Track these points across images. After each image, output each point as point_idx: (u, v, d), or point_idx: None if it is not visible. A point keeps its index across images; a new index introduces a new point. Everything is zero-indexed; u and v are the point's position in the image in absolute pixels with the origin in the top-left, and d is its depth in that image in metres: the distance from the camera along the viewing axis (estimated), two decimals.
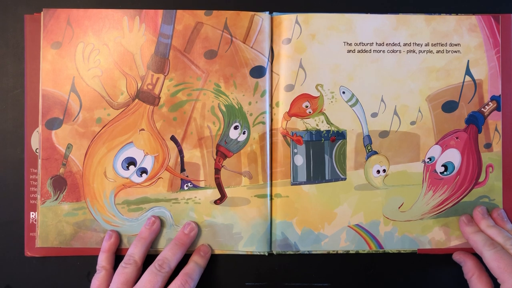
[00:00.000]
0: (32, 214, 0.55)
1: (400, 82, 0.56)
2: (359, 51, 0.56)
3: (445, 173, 0.57)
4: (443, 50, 0.56)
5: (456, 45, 0.56)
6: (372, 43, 0.56)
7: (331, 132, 0.56)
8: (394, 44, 0.56)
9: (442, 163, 0.57)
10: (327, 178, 0.56)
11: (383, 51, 0.56)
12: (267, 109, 0.55)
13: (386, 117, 0.56)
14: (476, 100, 0.57)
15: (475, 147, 0.57)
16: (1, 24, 0.57)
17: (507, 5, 0.58)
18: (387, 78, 0.56)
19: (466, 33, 0.56)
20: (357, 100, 0.56)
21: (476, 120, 0.57)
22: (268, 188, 0.55)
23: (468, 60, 0.57)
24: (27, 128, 0.56)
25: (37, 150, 0.55)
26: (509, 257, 0.49)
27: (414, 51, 0.56)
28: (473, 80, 0.57)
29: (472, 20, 0.56)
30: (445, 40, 0.56)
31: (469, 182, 0.57)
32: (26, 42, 0.55)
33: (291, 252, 0.56)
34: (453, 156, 0.57)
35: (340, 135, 0.56)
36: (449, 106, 0.57)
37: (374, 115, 0.56)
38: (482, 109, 0.57)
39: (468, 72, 0.57)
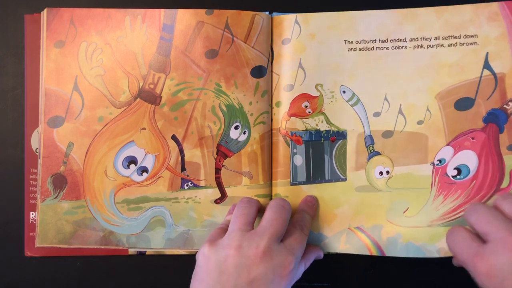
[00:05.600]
0: (32, 214, 0.57)
1: (406, 80, 0.55)
2: (360, 49, 0.56)
3: (458, 177, 0.55)
4: (456, 43, 0.54)
5: (472, 36, 0.54)
6: (375, 40, 0.56)
7: (331, 132, 0.57)
8: (399, 40, 0.55)
9: (454, 166, 0.55)
10: (327, 178, 0.57)
11: (387, 48, 0.55)
12: (268, 109, 0.57)
13: (390, 116, 0.56)
14: (497, 97, 0.54)
15: (495, 149, 0.54)
16: (1, 24, 0.59)
17: None
18: (391, 76, 0.55)
19: (485, 22, 0.54)
20: (358, 100, 0.56)
21: (496, 119, 0.54)
22: (268, 188, 0.57)
23: (487, 53, 0.54)
24: (27, 128, 0.57)
25: (37, 150, 0.57)
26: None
27: (422, 46, 0.55)
28: (494, 74, 0.54)
29: (492, 7, 0.54)
30: (459, 32, 0.54)
31: (489, 188, 0.54)
32: (26, 42, 0.57)
33: None
34: (468, 158, 0.55)
35: (341, 135, 0.57)
36: (463, 104, 0.54)
37: (376, 114, 0.56)
38: (505, 106, 0.54)
39: (487, 65, 0.54)
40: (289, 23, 0.56)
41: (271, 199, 0.57)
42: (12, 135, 0.58)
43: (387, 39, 0.55)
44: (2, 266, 0.58)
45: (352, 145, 0.57)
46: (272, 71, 0.57)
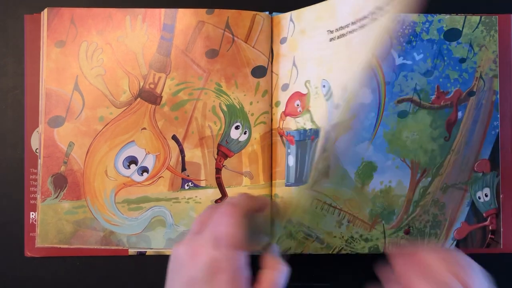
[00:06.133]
0: (32, 214, 0.57)
1: (356, 62, 0.47)
2: (339, 37, 0.51)
3: None
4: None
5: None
6: (348, 24, 0.49)
7: (312, 131, 0.54)
8: (363, 18, 0.47)
9: None
10: (304, 181, 0.55)
11: (355, 30, 0.48)
12: (268, 109, 0.57)
13: (343, 108, 0.48)
14: None
15: None
16: (1, 24, 0.59)
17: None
18: (351, 61, 0.48)
19: None
20: (331, 93, 0.51)
21: None
22: (269, 188, 0.57)
23: None
24: (27, 128, 0.58)
25: (37, 150, 0.57)
26: None
27: (377, 19, 0.46)
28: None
29: None
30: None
31: None
32: (26, 42, 0.58)
33: (291, 252, 0.57)
34: None
35: (317, 134, 0.54)
36: None
37: (337, 106, 0.49)
38: None
39: None
40: (285, 22, 0.56)
41: (271, 199, 0.57)
42: (12, 135, 0.59)
43: (356, 20, 0.48)
44: (2, 266, 0.59)
45: (320, 144, 0.51)
46: (272, 71, 0.57)
